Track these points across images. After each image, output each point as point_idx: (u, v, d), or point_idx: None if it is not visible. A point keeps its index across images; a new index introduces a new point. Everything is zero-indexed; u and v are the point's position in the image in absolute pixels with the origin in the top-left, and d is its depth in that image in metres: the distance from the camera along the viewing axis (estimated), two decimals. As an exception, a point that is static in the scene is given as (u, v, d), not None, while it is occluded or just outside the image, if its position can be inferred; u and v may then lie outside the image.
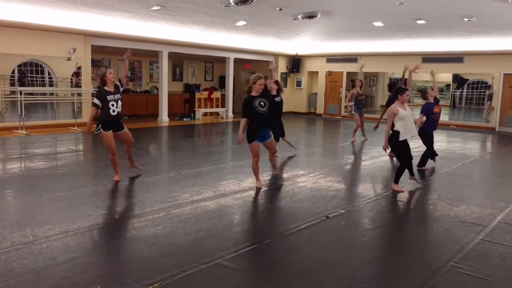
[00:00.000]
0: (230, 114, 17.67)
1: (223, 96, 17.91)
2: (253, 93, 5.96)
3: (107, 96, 6.19)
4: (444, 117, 16.55)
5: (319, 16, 13.86)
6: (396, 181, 6.47)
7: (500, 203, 5.95)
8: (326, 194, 6.20)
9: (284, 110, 20.94)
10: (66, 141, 10.61)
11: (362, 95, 11.59)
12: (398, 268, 3.83)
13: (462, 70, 17.64)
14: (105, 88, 6.25)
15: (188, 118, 16.39)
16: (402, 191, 6.34)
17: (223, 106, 17.69)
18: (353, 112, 11.69)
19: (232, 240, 4.32)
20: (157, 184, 6.53)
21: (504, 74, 15.32)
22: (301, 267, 3.78)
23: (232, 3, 12.02)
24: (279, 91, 8.54)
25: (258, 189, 6.18)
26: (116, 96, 6.27)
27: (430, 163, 8.13)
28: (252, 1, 11.84)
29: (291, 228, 4.68)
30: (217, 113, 17.61)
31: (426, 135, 7.85)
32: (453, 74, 25.68)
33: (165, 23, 13.55)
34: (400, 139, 6.20)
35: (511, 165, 8.49)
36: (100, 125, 6.27)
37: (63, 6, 11.20)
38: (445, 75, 25.43)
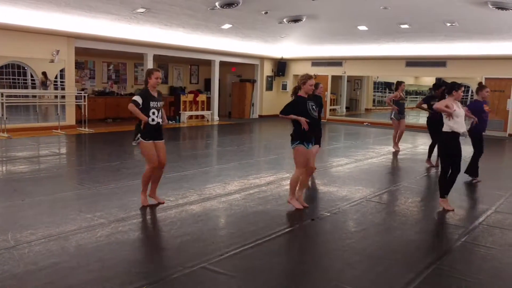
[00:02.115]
0: (216, 117, 17.63)
1: (208, 99, 17.86)
2: (302, 94, 5.39)
3: (150, 102, 5.32)
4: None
5: (304, 19, 13.94)
6: (444, 194, 5.74)
7: (482, 205, 6.04)
8: (312, 196, 6.22)
9: (269, 113, 20.97)
10: (49, 144, 10.47)
11: (405, 99, 11.04)
12: (382, 270, 3.86)
13: (445, 74, 17.82)
14: (150, 91, 5.36)
15: (173, 121, 16.31)
16: (453, 209, 5.63)
17: (208, 109, 17.65)
18: (392, 117, 10.83)
19: (218, 244, 4.31)
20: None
21: (486, 78, 15.58)
22: (287, 269, 3.79)
23: (218, 6, 12.02)
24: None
25: (298, 210, 5.32)
26: (159, 104, 5.40)
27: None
28: (237, 4, 11.85)
29: (276, 231, 4.68)
30: (203, 116, 17.56)
31: (479, 137, 7.32)
32: (436, 78, 26.02)
33: (150, 26, 13.48)
34: (455, 130, 5.54)
35: (492, 168, 8.64)
36: (139, 134, 5.36)
37: (47, 8, 11.07)
38: (428, 79, 25.77)
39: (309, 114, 5.35)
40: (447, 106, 5.53)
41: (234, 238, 4.48)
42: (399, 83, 10.66)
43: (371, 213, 5.61)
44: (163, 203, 5.48)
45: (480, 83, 7.55)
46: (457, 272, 3.78)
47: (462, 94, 5.68)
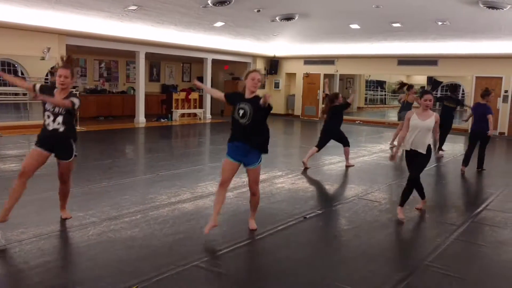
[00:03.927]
0: (208, 115, 17.60)
1: (200, 97, 17.82)
2: (246, 92, 4.34)
3: (46, 104, 4.42)
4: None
5: (296, 18, 13.95)
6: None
7: (473, 203, 6.09)
8: (304, 195, 6.23)
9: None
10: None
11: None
12: (374, 268, 3.88)
13: (437, 73, 17.99)
14: (53, 89, 4.40)
15: (165, 119, 16.25)
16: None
17: (200, 107, 17.61)
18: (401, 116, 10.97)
19: (210, 242, 4.31)
20: (133, 186, 6.46)
21: (476, 77, 15.71)
22: (279, 268, 3.80)
23: (210, 4, 11.99)
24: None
25: (212, 227, 4.32)
26: (56, 109, 4.36)
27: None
28: (230, 2, 11.83)
29: (269, 229, 4.69)
30: (195, 114, 17.52)
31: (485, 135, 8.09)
32: (427, 77, 26.18)
33: (142, 23, 13.41)
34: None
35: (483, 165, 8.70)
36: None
37: (37, 5, 10.97)
38: (420, 78, 25.91)
39: (234, 117, 4.31)
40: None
41: (227, 237, 4.48)
42: (411, 87, 11.11)
43: (363, 211, 5.63)
44: (70, 217, 4.73)
45: (486, 88, 8.44)
46: (448, 269, 3.81)
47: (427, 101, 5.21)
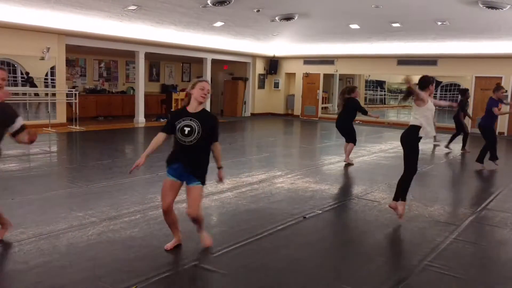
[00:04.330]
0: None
1: (200, 97, 17.80)
2: (189, 107, 3.88)
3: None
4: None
5: (296, 18, 13.95)
6: (403, 197, 5.16)
7: (472, 202, 6.09)
8: (303, 195, 6.23)
9: (261, 111, 20.94)
10: (40, 142, 10.35)
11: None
12: (373, 268, 3.88)
13: (436, 73, 17.91)
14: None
15: (165, 119, 16.23)
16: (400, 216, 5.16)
17: (200, 107, 17.59)
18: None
19: (210, 242, 4.30)
20: (133, 186, 6.45)
21: (476, 77, 15.71)
22: (279, 268, 3.79)
23: (210, 4, 11.99)
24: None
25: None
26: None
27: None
28: (229, 2, 11.83)
29: (268, 229, 4.69)
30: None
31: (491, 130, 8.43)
32: (424, 76, 26.16)
33: (142, 23, 13.41)
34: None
35: (481, 165, 8.70)
36: None
37: (37, 5, 10.97)
38: (419, 78, 25.86)
39: (177, 138, 3.83)
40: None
41: (226, 236, 4.48)
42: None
43: (363, 211, 5.63)
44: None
45: (497, 84, 8.81)
46: (447, 269, 3.81)
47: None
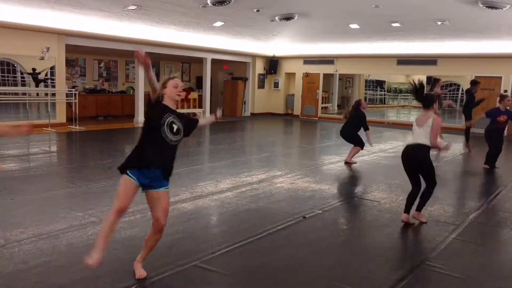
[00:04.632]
0: (207, 115, 17.59)
1: (200, 97, 17.81)
2: (166, 102, 3.49)
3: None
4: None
5: (296, 17, 13.94)
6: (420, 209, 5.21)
7: (472, 202, 6.09)
8: (303, 194, 6.23)
9: (261, 111, 20.93)
10: (39, 142, 10.37)
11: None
12: (373, 267, 3.88)
13: (436, 72, 17.94)
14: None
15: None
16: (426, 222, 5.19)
17: (200, 106, 17.59)
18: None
19: (209, 242, 4.31)
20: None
21: (476, 76, 15.70)
22: (279, 267, 3.80)
23: (209, 4, 11.99)
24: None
25: (88, 265, 3.18)
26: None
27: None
28: (229, 2, 11.83)
29: (268, 229, 4.69)
30: (194, 114, 17.50)
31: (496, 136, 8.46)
32: (427, 77, 26.20)
33: (142, 23, 13.41)
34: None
35: (482, 165, 8.71)
36: None
37: (36, 4, 10.97)
38: (419, 77, 25.88)
39: (162, 135, 3.35)
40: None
41: (226, 236, 4.48)
42: (438, 80, 11.77)
43: (362, 211, 5.64)
44: None
45: (501, 94, 9.04)
46: (447, 269, 3.81)
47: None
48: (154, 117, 3.38)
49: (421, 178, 5.12)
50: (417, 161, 5.01)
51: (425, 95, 5.18)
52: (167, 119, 3.37)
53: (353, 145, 8.83)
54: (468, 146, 10.77)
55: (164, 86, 3.51)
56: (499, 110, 8.49)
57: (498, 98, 8.85)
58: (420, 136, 4.97)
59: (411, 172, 5.15)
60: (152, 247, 3.58)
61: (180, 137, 3.47)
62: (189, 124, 3.66)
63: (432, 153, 5.21)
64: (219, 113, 4.11)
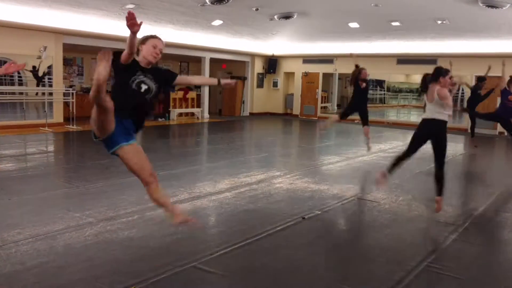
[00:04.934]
0: (206, 115, 17.57)
1: (198, 96, 17.79)
2: (140, 59, 3.43)
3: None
4: (418, 118, 16.82)
5: (295, 16, 13.92)
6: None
7: (472, 203, 6.07)
8: (302, 195, 6.20)
9: (260, 111, 20.93)
10: (36, 141, 10.33)
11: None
12: (373, 268, 3.85)
13: (435, 72, 17.99)
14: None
15: (163, 119, 16.21)
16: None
17: (198, 106, 17.57)
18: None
19: (208, 243, 4.28)
20: (131, 186, 6.39)
21: (476, 76, 15.69)
22: (278, 268, 3.77)
23: (208, 2, 11.95)
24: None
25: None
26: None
27: None
28: (228, 1, 11.80)
29: (267, 230, 4.65)
30: (193, 114, 17.48)
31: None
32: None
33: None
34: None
35: (482, 165, 8.70)
36: None
37: (34, 3, 10.93)
38: (419, 77, 25.85)
39: (130, 89, 3.30)
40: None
41: (225, 237, 4.45)
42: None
43: (362, 211, 5.61)
44: None
45: (511, 76, 9.31)
46: (448, 270, 3.78)
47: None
48: (122, 75, 3.29)
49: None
50: (433, 136, 5.09)
51: (434, 69, 5.22)
52: (136, 79, 3.29)
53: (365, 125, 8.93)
54: (473, 142, 11.12)
55: (143, 42, 3.40)
56: (509, 91, 8.78)
57: (507, 80, 9.11)
58: (433, 112, 5.04)
59: (419, 142, 5.24)
60: (163, 197, 3.59)
61: (151, 95, 3.37)
62: (166, 79, 3.49)
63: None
64: (233, 81, 3.91)
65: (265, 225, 4.79)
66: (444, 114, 5.01)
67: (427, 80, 5.21)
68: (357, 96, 8.95)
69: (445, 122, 5.05)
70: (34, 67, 12.79)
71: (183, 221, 3.58)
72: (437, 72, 5.13)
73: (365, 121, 8.99)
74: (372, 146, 9.10)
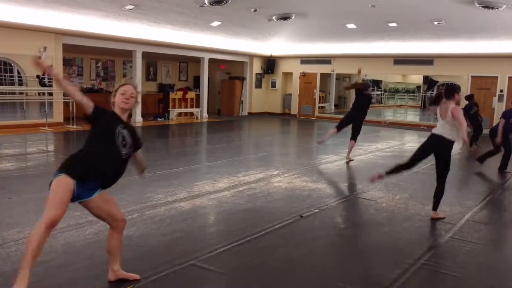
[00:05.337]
0: (205, 115, 17.60)
1: (197, 96, 17.82)
2: (117, 111, 3.29)
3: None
4: (414, 118, 16.91)
5: (293, 17, 13.96)
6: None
7: (468, 201, 6.12)
8: (300, 194, 6.25)
9: (258, 111, 20.94)
10: (37, 141, 10.35)
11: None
12: (370, 266, 3.90)
13: (432, 72, 18.07)
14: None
15: (162, 118, 16.24)
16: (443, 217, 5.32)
17: (197, 106, 17.60)
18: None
19: (207, 241, 4.32)
20: (130, 185, 6.43)
21: (472, 76, 15.77)
22: (276, 266, 3.80)
23: (207, 3, 11.99)
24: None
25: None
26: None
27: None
28: (226, 2, 11.83)
29: (265, 228, 4.70)
30: (192, 113, 17.51)
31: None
32: (423, 76, 26.25)
33: (139, 23, 13.39)
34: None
35: (478, 165, 8.74)
36: None
37: (34, 4, 10.95)
38: (416, 77, 25.96)
39: (114, 146, 3.11)
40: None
41: (224, 235, 4.49)
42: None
43: (359, 210, 5.65)
44: None
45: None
46: (444, 268, 3.83)
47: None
48: (104, 127, 3.13)
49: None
50: (437, 153, 5.18)
51: (447, 86, 5.27)
52: (118, 130, 3.14)
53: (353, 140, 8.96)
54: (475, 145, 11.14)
55: (114, 94, 3.28)
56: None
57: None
58: (445, 130, 5.08)
59: (422, 154, 5.31)
60: (120, 248, 3.37)
61: (130, 151, 3.22)
62: (135, 139, 3.30)
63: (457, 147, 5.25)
64: (143, 175, 3.56)
65: (263, 223, 4.84)
66: (453, 135, 5.04)
67: (440, 96, 5.23)
68: (359, 106, 8.95)
69: (452, 142, 5.08)
70: (38, 76, 12.82)
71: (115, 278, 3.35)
72: (451, 89, 5.16)
73: (354, 135, 8.97)
74: (351, 158, 8.94)
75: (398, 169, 5.42)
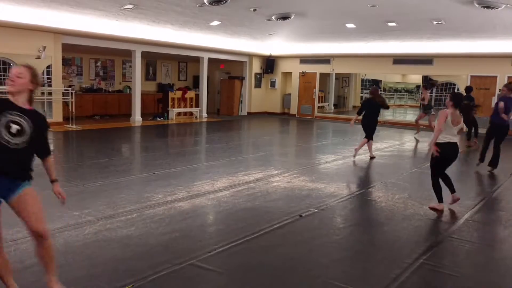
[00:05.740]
0: (204, 114, 17.60)
1: (197, 96, 17.82)
2: (10, 96, 3.01)
3: None
4: (414, 118, 16.92)
5: (292, 17, 13.96)
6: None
7: (467, 201, 6.12)
8: (300, 193, 6.25)
9: (258, 110, 20.96)
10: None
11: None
12: (369, 266, 3.90)
13: (432, 72, 18.03)
14: None
15: (162, 118, 16.23)
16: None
17: (197, 106, 17.60)
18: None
19: (206, 241, 4.32)
20: (129, 185, 6.45)
21: (471, 76, 15.79)
22: (275, 266, 3.81)
23: (206, 3, 11.98)
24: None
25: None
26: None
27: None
28: (226, 1, 11.83)
29: (265, 228, 4.70)
30: (191, 113, 17.51)
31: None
32: (423, 76, 26.25)
33: (138, 22, 13.38)
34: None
35: (480, 164, 8.74)
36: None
37: (33, 3, 10.94)
38: (415, 77, 25.96)
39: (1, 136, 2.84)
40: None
41: (223, 235, 4.49)
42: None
43: (359, 209, 5.66)
44: None
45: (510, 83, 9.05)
46: (443, 267, 3.84)
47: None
48: None
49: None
50: (455, 158, 5.57)
51: (453, 94, 5.67)
52: (4, 118, 2.85)
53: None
54: (475, 142, 11.22)
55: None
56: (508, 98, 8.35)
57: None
58: (456, 136, 5.48)
59: (448, 165, 5.60)
60: (52, 257, 3.11)
61: (25, 139, 2.92)
62: (37, 129, 3.02)
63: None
64: (62, 201, 3.37)
65: (263, 223, 4.84)
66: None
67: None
68: (371, 113, 9.35)
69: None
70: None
71: None
72: (460, 98, 5.54)
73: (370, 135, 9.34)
74: (373, 155, 9.25)
75: (437, 187, 5.70)
